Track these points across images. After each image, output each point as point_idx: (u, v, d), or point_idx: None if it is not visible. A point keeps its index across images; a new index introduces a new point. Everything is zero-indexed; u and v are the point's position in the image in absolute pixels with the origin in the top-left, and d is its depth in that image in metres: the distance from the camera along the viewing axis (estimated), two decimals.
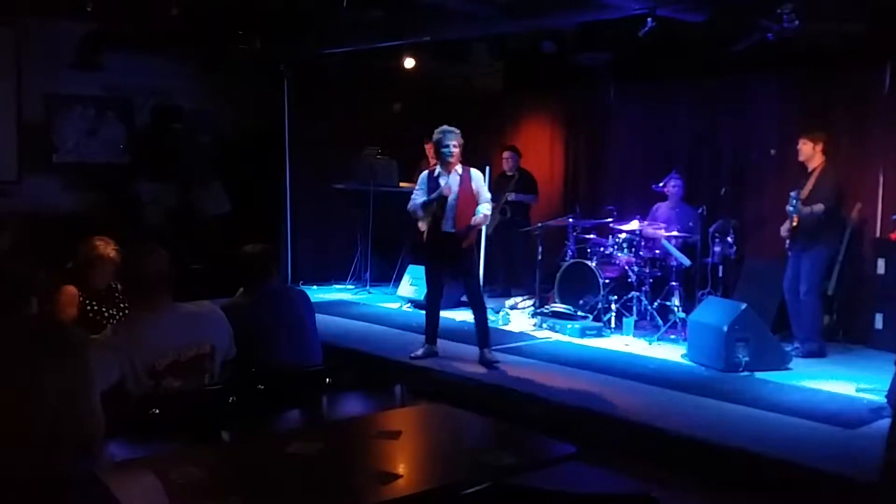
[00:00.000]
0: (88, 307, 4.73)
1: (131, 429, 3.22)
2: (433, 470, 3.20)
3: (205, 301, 3.96)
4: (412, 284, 9.29)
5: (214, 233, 10.17)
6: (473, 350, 7.27)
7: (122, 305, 4.80)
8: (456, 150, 6.72)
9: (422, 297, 9.03)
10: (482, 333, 6.89)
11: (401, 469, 3.07)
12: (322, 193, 10.70)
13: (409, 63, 9.96)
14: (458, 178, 6.75)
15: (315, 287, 10.20)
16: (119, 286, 4.80)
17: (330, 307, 9.05)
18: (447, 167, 6.77)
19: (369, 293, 10.00)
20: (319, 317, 5.59)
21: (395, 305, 9.40)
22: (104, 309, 4.79)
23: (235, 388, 3.81)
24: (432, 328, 7.05)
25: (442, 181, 6.74)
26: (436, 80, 11.12)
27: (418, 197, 6.86)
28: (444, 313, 8.87)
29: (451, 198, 6.71)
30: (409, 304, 9.29)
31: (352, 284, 10.40)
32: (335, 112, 10.75)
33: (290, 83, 10.41)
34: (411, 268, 9.48)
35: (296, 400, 3.98)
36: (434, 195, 6.72)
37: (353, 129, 10.61)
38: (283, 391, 4.07)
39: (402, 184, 10.23)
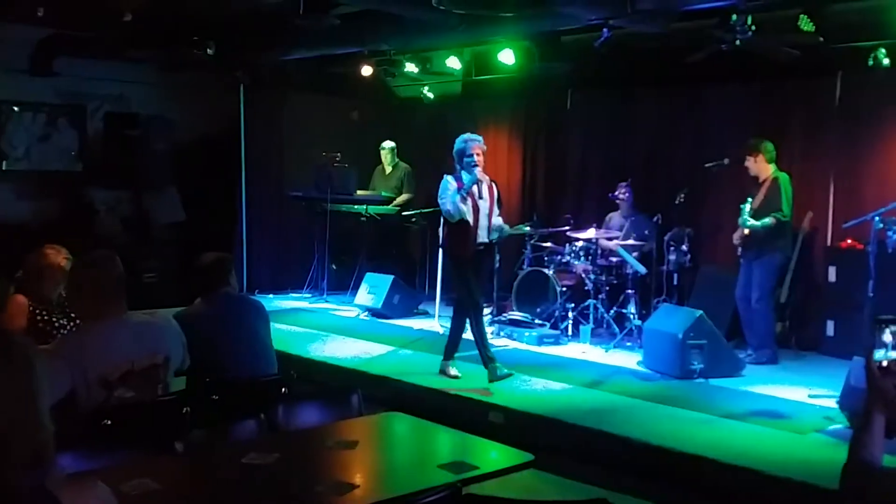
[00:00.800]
0: (38, 317, 4.62)
1: (83, 441, 3.16)
2: (391, 479, 3.18)
3: (158, 310, 3.91)
4: (370, 293, 9.25)
5: (169, 241, 10.05)
6: (431, 358, 7.27)
7: (72, 315, 4.70)
8: (480, 158, 6.45)
9: (379, 306, 9.03)
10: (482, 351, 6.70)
11: (358, 479, 3.05)
12: (279, 201, 10.63)
13: (367, 71, 9.94)
14: (486, 186, 6.55)
15: (271, 296, 10.11)
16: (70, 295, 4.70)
17: (286, 316, 8.98)
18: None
19: (326, 302, 9.94)
20: (275, 326, 5.56)
21: (352, 314, 9.35)
22: (55, 319, 4.68)
23: (190, 398, 3.76)
24: (484, 348, 6.64)
25: (468, 182, 6.43)
26: (394, 87, 11.11)
27: (450, 197, 6.40)
28: (400, 322, 8.92)
29: (484, 207, 6.50)
30: (366, 313, 9.24)
31: (309, 293, 10.33)
32: (292, 119, 10.69)
33: (246, 89, 10.32)
34: (369, 276, 9.45)
35: (251, 410, 3.92)
36: (467, 186, 6.37)
37: (311, 137, 10.55)
38: (239, 401, 4.01)
39: (359, 191, 10.21)
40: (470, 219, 6.42)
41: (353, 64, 9.92)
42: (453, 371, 6.63)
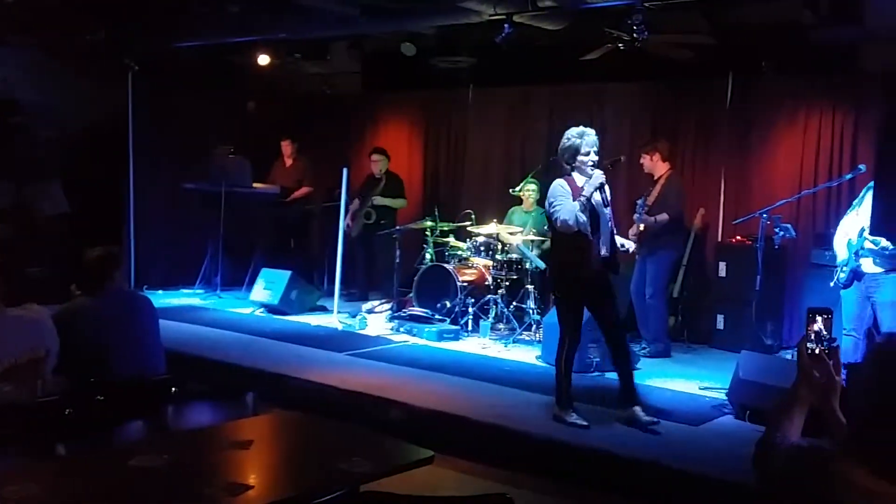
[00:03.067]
0: None
1: None
2: (286, 479, 3.11)
3: (34, 305, 3.73)
4: (266, 289, 9.05)
5: (53, 234, 9.58)
6: (329, 355, 7.17)
7: None
8: (597, 159, 5.42)
9: (276, 302, 8.84)
10: (628, 387, 5.58)
11: (252, 479, 2.96)
12: (170, 194, 10.29)
13: (264, 60, 9.73)
14: (608, 191, 5.47)
15: (161, 292, 9.77)
16: None
17: (177, 313, 8.69)
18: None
19: (220, 298, 9.67)
20: (166, 323, 5.36)
21: (247, 311, 9.13)
22: None
23: (72, 399, 3.61)
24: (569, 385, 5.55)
25: (588, 189, 5.33)
26: (292, 78, 10.92)
27: (567, 204, 5.30)
28: (298, 318, 8.76)
29: (606, 213, 5.47)
30: (262, 310, 9.04)
31: (201, 289, 10.03)
32: (185, 109, 10.36)
33: (136, 77, 9.93)
34: (265, 271, 9.24)
35: (138, 411, 3.78)
36: (590, 191, 5.30)
37: (205, 127, 10.26)
38: (125, 402, 3.87)
39: (255, 184, 9.98)
40: (588, 231, 5.35)
41: (251, 54, 9.69)
42: (576, 419, 5.43)
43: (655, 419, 5.41)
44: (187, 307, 9.24)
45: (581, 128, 5.48)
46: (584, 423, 5.37)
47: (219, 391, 4.58)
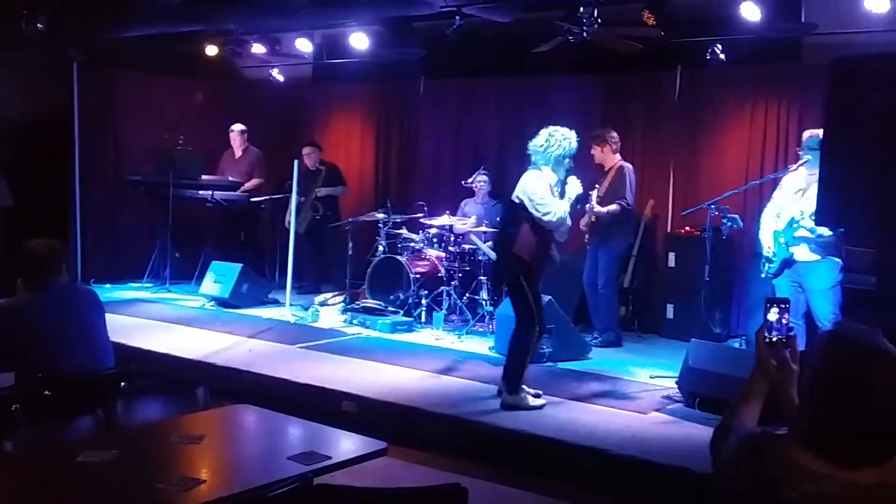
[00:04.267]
0: None
1: None
2: (239, 473, 3.08)
3: None
4: (216, 282, 8.94)
5: None
6: (282, 348, 7.12)
7: None
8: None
9: (227, 295, 8.75)
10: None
11: (204, 474, 2.94)
12: (116, 186, 10.10)
13: (212, 51, 9.58)
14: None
15: (109, 285, 9.59)
16: None
17: (125, 307, 8.55)
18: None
19: (169, 291, 9.53)
20: (114, 317, 5.28)
21: (197, 304, 9.01)
22: None
23: (18, 395, 3.54)
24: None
25: (571, 192, 5.71)
26: (242, 69, 10.78)
27: (558, 203, 5.61)
28: (249, 311, 8.68)
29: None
30: (212, 303, 8.93)
31: (150, 282, 9.87)
32: (132, 100, 10.19)
33: (80, 68, 9.72)
34: (215, 264, 9.13)
35: (86, 406, 3.70)
36: (574, 195, 5.70)
37: (152, 119, 10.08)
38: (72, 397, 3.80)
39: (206, 176, 9.85)
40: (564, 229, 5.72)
41: (198, 43, 9.54)
42: (532, 400, 5.62)
43: (543, 404, 5.61)
44: (136, 301, 9.09)
45: (571, 131, 5.68)
46: (543, 403, 5.59)
47: (169, 385, 4.52)
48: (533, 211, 5.55)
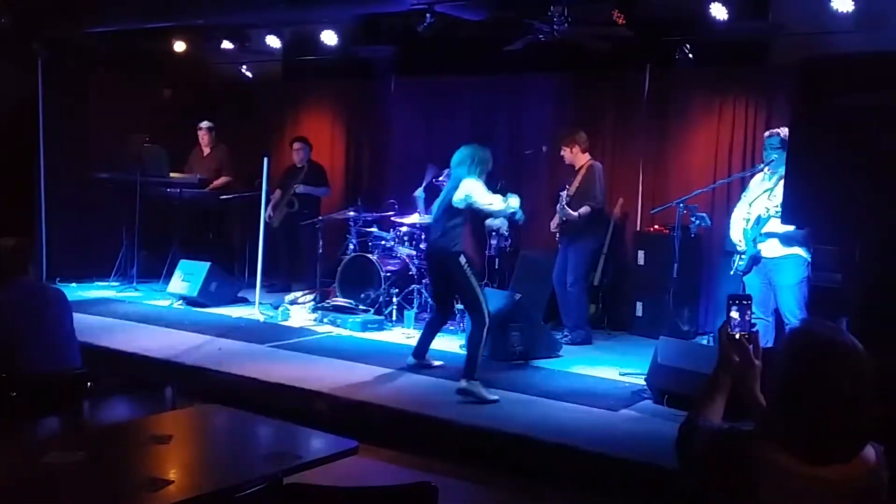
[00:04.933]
0: None
1: None
2: (208, 474, 3.06)
3: None
4: (185, 280, 8.86)
5: None
6: (252, 347, 7.07)
7: None
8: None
9: (195, 294, 8.67)
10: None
11: (172, 475, 2.91)
12: (83, 183, 9.96)
13: (181, 47, 9.49)
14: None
15: (75, 285, 9.46)
16: None
17: (92, 306, 8.44)
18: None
19: (136, 290, 9.43)
20: (80, 317, 5.21)
21: (165, 303, 8.92)
22: None
23: None
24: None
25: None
26: (211, 65, 10.68)
27: (498, 201, 6.20)
28: (218, 310, 8.61)
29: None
30: (180, 302, 8.85)
31: (117, 281, 9.75)
32: (99, 96, 10.04)
33: (46, 64, 9.57)
34: (183, 263, 9.04)
35: (53, 406, 3.66)
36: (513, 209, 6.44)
37: (119, 115, 9.95)
38: (39, 397, 3.75)
39: (174, 174, 9.75)
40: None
41: (166, 39, 9.44)
42: (487, 393, 5.75)
43: (497, 398, 5.74)
44: (103, 300, 8.98)
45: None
46: (496, 398, 5.70)
47: (137, 385, 4.49)
48: (480, 209, 6.16)
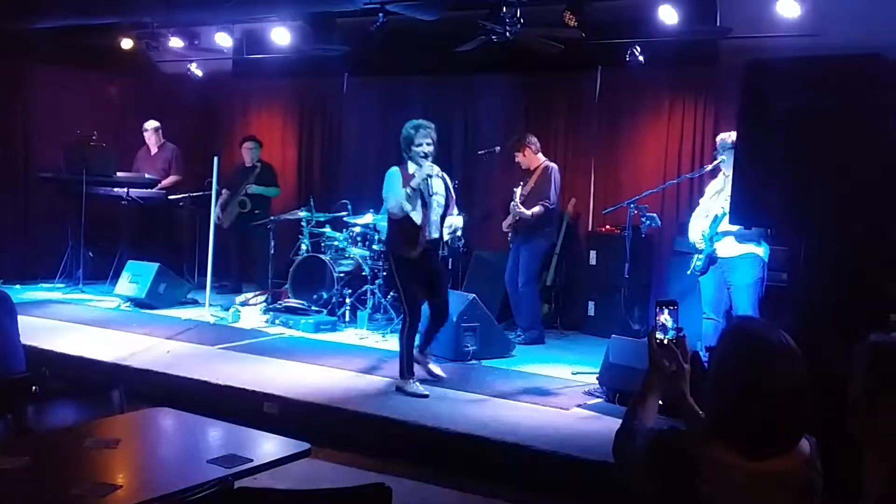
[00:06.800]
0: None
1: None
2: (157, 478, 3.00)
3: None
4: (132, 281, 8.71)
5: None
6: (201, 349, 6.98)
7: None
8: (431, 149, 5.81)
9: (143, 295, 8.53)
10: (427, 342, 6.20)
11: (120, 479, 2.86)
12: (24, 183, 9.74)
13: (128, 44, 9.33)
14: (441, 179, 5.97)
15: (18, 286, 9.24)
16: None
17: (37, 308, 8.25)
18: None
19: (83, 292, 9.24)
20: (25, 319, 5.09)
21: (112, 304, 8.76)
22: None
23: None
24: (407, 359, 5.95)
25: (418, 176, 5.80)
26: (159, 63, 10.52)
27: (393, 193, 5.79)
28: (167, 311, 8.48)
29: (435, 203, 5.87)
30: (128, 304, 8.70)
31: (62, 283, 9.55)
32: (42, 93, 9.83)
33: None
34: (131, 264, 8.89)
35: None
36: (417, 181, 5.76)
37: (64, 113, 9.75)
38: None
39: (120, 173, 9.58)
40: (418, 218, 5.79)
41: (113, 36, 9.26)
42: (418, 388, 5.86)
43: (425, 393, 5.82)
44: (47, 301, 8.79)
45: (419, 120, 5.95)
46: (425, 393, 5.80)
47: (83, 389, 4.39)
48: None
